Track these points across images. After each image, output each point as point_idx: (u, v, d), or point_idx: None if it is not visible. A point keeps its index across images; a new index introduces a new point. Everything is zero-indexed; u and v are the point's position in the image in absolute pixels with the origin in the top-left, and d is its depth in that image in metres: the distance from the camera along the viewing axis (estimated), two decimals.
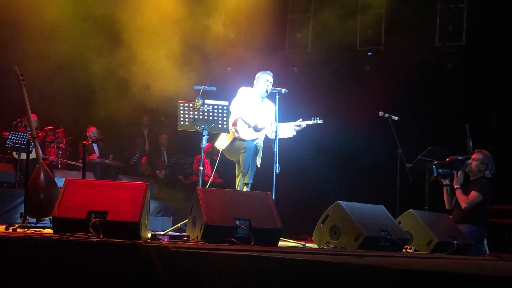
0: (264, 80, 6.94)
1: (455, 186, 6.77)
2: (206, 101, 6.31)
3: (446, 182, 6.88)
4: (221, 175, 10.95)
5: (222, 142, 6.90)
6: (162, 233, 5.33)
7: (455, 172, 6.80)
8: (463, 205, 6.64)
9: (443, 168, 6.86)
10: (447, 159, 6.92)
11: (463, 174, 6.76)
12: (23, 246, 3.63)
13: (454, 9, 10.13)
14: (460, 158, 6.85)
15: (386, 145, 8.39)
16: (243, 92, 6.94)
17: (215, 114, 6.27)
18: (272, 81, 6.97)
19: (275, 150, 6.58)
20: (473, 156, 6.86)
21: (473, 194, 6.60)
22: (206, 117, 6.28)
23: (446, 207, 6.92)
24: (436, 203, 7.04)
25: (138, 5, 10.78)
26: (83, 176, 6.24)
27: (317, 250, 5.06)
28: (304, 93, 10.42)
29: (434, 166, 6.90)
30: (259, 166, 6.88)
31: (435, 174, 6.89)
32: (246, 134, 6.79)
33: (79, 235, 3.95)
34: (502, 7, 9.75)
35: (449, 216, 6.67)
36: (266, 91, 6.91)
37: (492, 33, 9.82)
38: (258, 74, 7.04)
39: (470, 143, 8.20)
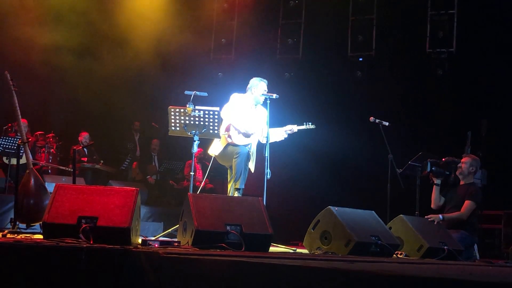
0: (262, 89, 6.91)
1: (435, 182, 6.85)
2: (197, 107, 6.31)
3: (438, 181, 6.91)
4: (213, 181, 10.94)
5: (215, 149, 6.89)
6: (153, 238, 5.31)
7: (448, 173, 6.84)
8: (432, 205, 6.83)
9: (437, 166, 6.90)
10: (443, 159, 6.96)
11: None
12: (13, 252, 3.61)
13: (445, 16, 10.16)
14: (456, 160, 6.90)
15: (376, 151, 8.40)
16: (235, 98, 6.92)
17: (206, 120, 6.27)
18: (267, 90, 6.97)
19: (266, 155, 6.57)
20: (462, 159, 6.91)
21: (467, 203, 6.64)
22: (197, 123, 6.28)
23: (432, 206, 6.94)
24: (427, 208, 7.05)
25: (128, 9, 10.80)
26: (74, 182, 6.23)
27: (308, 255, 5.06)
28: (296, 98, 10.42)
29: (429, 162, 6.93)
30: (253, 171, 6.87)
31: (428, 170, 6.92)
32: (238, 139, 6.79)
33: (69, 241, 3.93)
34: (493, 14, 9.82)
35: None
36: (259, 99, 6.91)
37: (482, 40, 9.88)
38: (254, 82, 7.00)
39: (469, 150, 8.25)
